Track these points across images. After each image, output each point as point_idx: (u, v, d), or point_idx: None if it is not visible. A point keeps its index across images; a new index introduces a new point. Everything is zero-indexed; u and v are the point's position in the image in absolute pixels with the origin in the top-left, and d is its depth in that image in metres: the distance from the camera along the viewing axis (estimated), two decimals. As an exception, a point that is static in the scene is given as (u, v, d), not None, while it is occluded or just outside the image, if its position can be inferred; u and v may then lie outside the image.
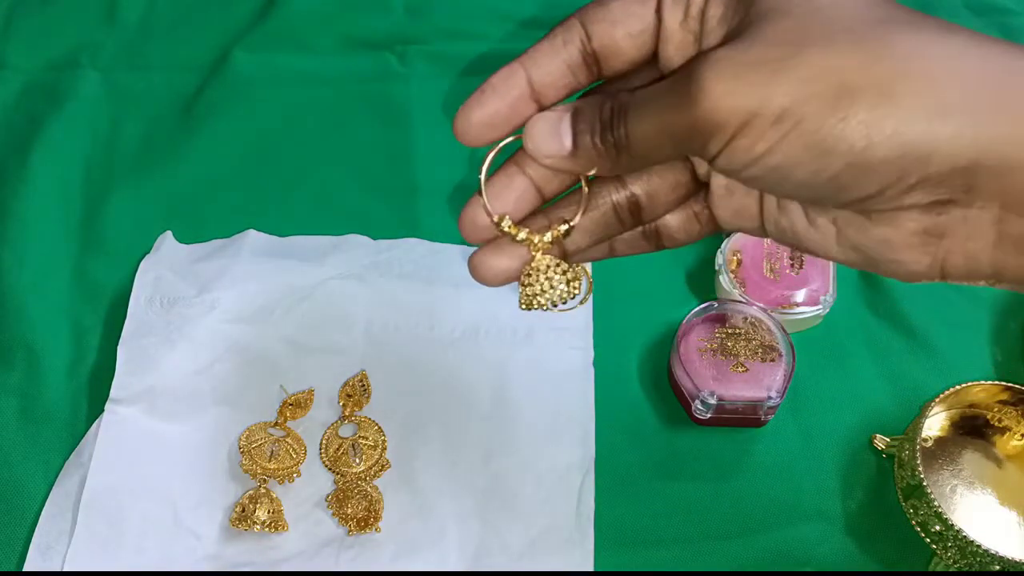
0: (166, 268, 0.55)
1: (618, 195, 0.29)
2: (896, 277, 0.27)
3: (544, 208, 0.30)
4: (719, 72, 0.24)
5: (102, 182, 0.62)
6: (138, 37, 0.70)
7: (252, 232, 0.58)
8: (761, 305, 0.53)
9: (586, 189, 0.29)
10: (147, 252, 0.57)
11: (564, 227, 0.29)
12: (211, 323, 0.53)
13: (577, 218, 0.29)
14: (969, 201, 0.24)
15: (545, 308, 0.30)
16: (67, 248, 0.59)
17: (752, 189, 0.29)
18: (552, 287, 0.30)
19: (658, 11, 0.27)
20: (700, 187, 0.30)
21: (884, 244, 0.26)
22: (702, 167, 0.30)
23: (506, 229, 0.29)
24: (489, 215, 0.29)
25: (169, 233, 0.58)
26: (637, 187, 0.29)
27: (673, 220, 0.30)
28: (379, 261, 0.57)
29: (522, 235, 0.29)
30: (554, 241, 0.29)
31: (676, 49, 0.27)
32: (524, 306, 0.30)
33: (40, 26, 0.70)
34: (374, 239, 0.58)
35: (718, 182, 0.29)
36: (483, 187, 0.29)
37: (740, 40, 0.24)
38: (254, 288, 0.55)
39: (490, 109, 0.28)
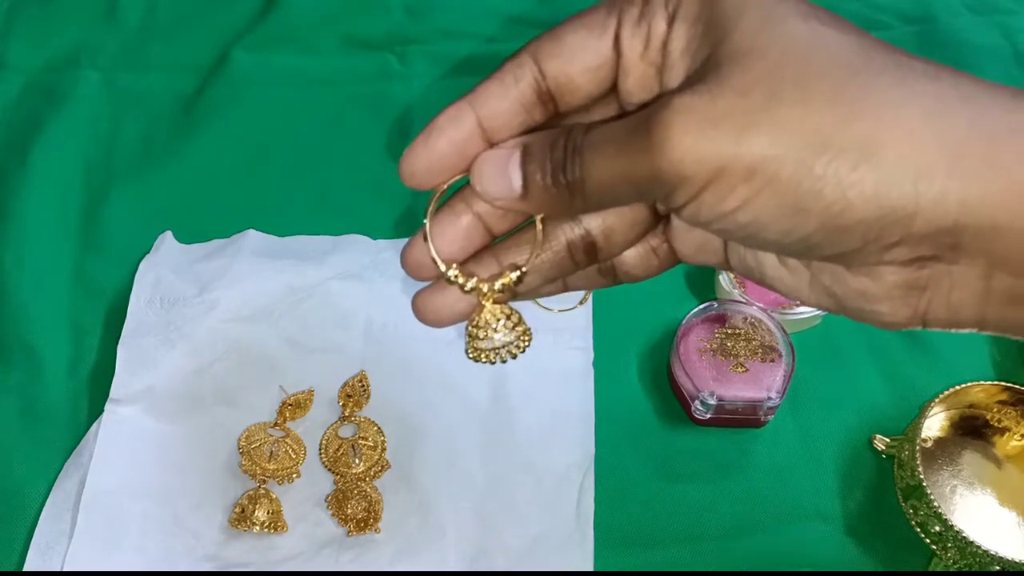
0: (166, 268, 0.55)
1: (572, 234, 0.27)
2: (872, 324, 0.25)
3: (495, 243, 0.28)
4: (685, 122, 0.22)
5: (102, 182, 0.62)
6: (138, 37, 0.70)
7: (252, 232, 0.58)
8: (761, 305, 0.53)
9: (540, 228, 0.27)
10: (147, 252, 0.57)
11: (516, 274, 0.27)
12: (211, 323, 0.53)
13: (530, 263, 0.27)
14: (954, 258, 0.23)
15: (494, 363, 0.28)
16: (67, 248, 0.59)
17: None
18: (502, 343, 0.28)
19: (616, 43, 0.25)
20: (659, 220, 0.28)
21: (861, 295, 0.24)
22: None
23: (453, 279, 0.27)
24: (435, 262, 0.27)
25: (169, 233, 0.58)
26: (593, 225, 0.27)
27: (630, 256, 0.28)
28: (379, 261, 0.57)
29: (471, 284, 0.27)
30: (504, 289, 0.27)
31: (636, 82, 0.25)
32: (472, 358, 0.28)
33: (40, 26, 0.70)
34: (374, 239, 0.58)
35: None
36: (428, 228, 0.27)
37: (706, 84, 0.23)
38: (254, 288, 0.55)
39: (436, 152, 0.26)
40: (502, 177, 0.25)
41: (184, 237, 0.58)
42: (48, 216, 0.60)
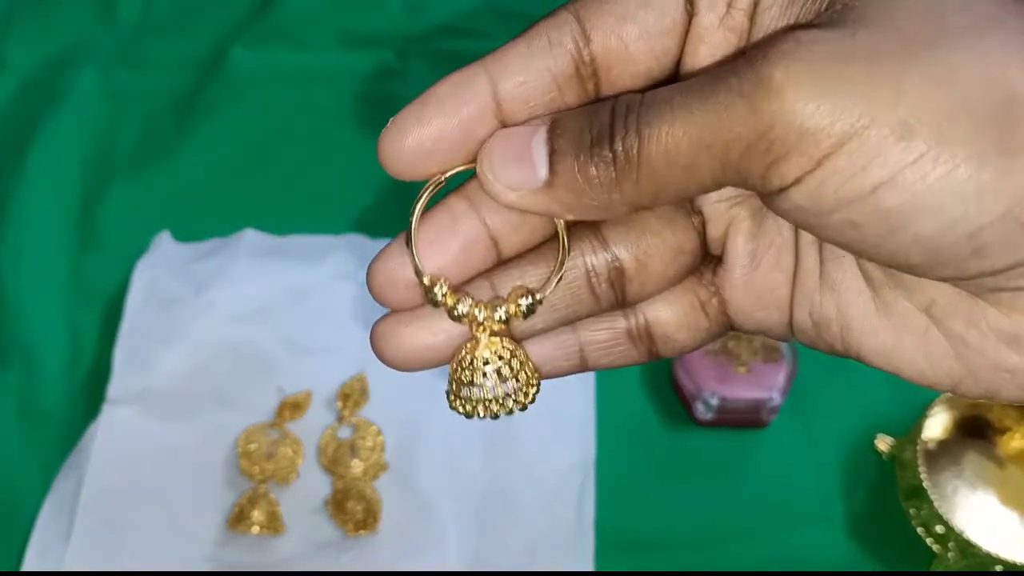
0: (163, 268, 0.55)
1: (595, 258, 0.21)
2: (1010, 399, 0.19)
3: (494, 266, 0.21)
4: (815, 54, 0.16)
5: (99, 181, 0.62)
6: (136, 35, 0.70)
7: (250, 231, 0.58)
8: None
9: (564, 238, 0.20)
10: (144, 251, 0.57)
11: (527, 301, 0.20)
12: (208, 323, 0.53)
13: (550, 287, 0.20)
14: None
15: (486, 417, 0.21)
16: (64, 247, 0.58)
17: (782, 262, 0.20)
18: (504, 392, 0.21)
19: (689, 0, 0.19)
20: (707, 261, 0.21)
21: (1012, 341, 0.18)
22: (717, 228, 0.21)
23: (440, 298, 0.20)
24: (418, 274, 0.20)
25: (166, 232, 0.58)
26: (622, 249, 0.21)
27: (670, 314, 0.21)
28: (378, 261, 0.56)
29: (463, 308, 0.20)
30: (508, 320, 0.20)
31: (710, 55, 0.19)
32: (459, 410, 0.21)
33: (37, 24, 0.70)
34: (374, 239, 0.58)
35: (739, 250, 0.21)
36: (413, 232, 0.20)
37: (839, 23, 0.17)
38: (252, 288, 0.54)
39: (432, 130, 0.20)
40: (521, 160, 0.19)
41: (182, 236, 0.58)
42: (45, 215, 0.60)
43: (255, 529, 0.47)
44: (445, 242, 0.20)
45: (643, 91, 0.19)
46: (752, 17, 0.19)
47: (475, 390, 0.21)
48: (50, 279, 0.57)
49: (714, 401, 0.49)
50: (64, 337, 0.55)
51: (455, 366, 0.21)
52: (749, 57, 0.17)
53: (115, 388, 0.51)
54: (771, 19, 0.18)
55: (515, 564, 0.46)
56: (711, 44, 0.19)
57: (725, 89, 0.17)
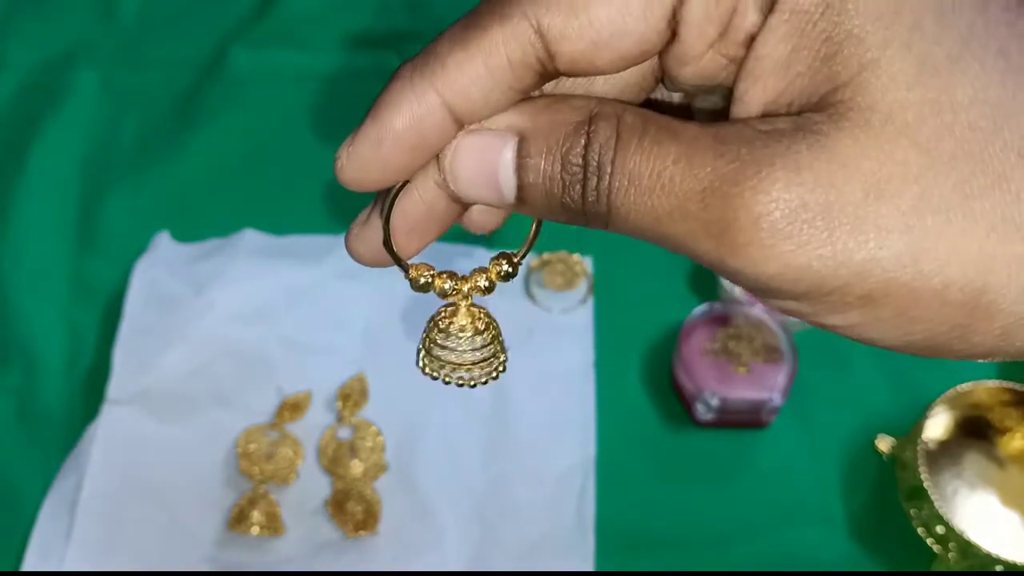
0: (163, 268, 0.55)
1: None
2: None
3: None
4: (787, 216, 0.16)
5: (99, 181, 0.61)
6: (136, 35, 0.69)
7: (249, 231, 0.58)
8: (763, 305, 0.53)
9: (536, 224, 0.21)
10: (144, 252, 0.57)
11: (506, 268, 0.21)
12: (208, 324, 0.53)
13: (522, 252, 0.21)
14: None
15: (452, 383, 0.22)
16: (64, 248, 0.58)
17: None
18: (476, 358, 0.21)
19: (672, 22, 0.17)
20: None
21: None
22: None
23: (422, 282, 0.21)
24: (403, 269, 0.21)
25: (166, 233, 0.58)
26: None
27: None
28: (378, 261, 0.56)
29: (447, 284, 0.21)
30: (492, 286, 0.21)
31: (697, 73, 0.18)
32: (425, 370, 0.22)
33: (37, 24, 0.70)
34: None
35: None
36: (392, 235, 0.21)
37: (824, 149, 0.16)
38: (251, 288, 0.54)
39: (391, 162, 0.19)
40: (487, 177, 0.18)
41: (181, 236, 0.58)
42: (45, 215, 0.60)
43: (255, 530, 0.47)
44: (423, 231, 0.20)
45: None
46: (748, 53, 0.17)
47: (448, 353, 0.21)
48: (50, 279, 0.57)
49: (714, 401, 0.49)
50: (64, 337, 0.55)
51: (431, 326, 0.22)
52: (724, 193, 0.16)
53: (115, 388, 0.51)
54: (768, 68, 0.17)
55: (515, 564, 0.46)
56: (698, 65, 0.18)
57: (689, 211, 0.16)
